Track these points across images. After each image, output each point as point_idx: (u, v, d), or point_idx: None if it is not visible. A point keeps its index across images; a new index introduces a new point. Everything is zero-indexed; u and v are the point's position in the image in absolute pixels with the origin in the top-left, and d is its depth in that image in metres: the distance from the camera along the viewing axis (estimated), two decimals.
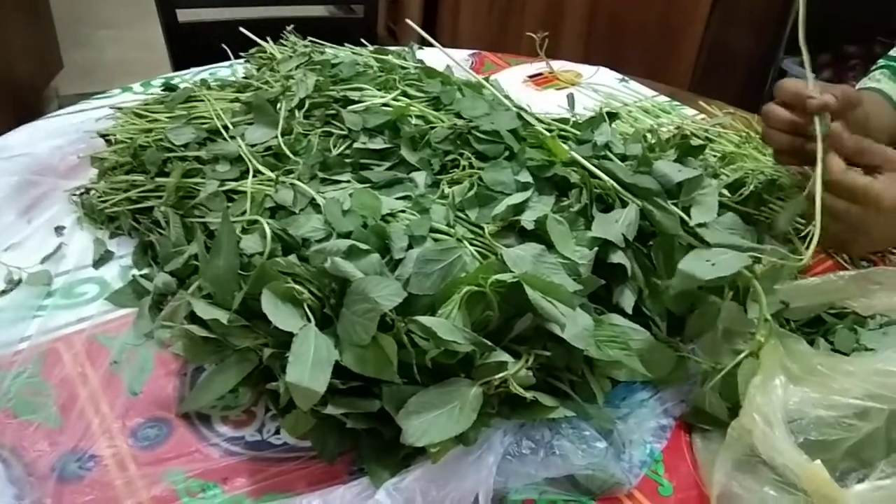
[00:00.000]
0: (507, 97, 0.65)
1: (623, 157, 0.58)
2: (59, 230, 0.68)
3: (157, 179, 0.64)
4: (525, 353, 0.46)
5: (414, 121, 0.61)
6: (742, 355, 0.50)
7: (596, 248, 0.51)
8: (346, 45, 0.79)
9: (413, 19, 2.21)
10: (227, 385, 0.50)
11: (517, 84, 1.02)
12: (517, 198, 0.51)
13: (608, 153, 0.58)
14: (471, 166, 0.56)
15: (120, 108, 0.71)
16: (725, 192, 0.67)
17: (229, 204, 0.59)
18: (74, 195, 0.71)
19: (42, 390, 0.52)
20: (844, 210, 0.57)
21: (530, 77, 1.05)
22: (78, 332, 0.57)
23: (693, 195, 0.52)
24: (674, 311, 0.54)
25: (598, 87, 1.01)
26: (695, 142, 0.64)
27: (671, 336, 0.54)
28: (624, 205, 0.53)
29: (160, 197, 0.63)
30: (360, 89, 0.64)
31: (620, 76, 1.06)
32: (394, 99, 0.62)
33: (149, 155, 0.64)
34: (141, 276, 0.62)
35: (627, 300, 0.53)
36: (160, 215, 0.63)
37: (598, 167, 0.55)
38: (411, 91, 0.64)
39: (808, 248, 0.50)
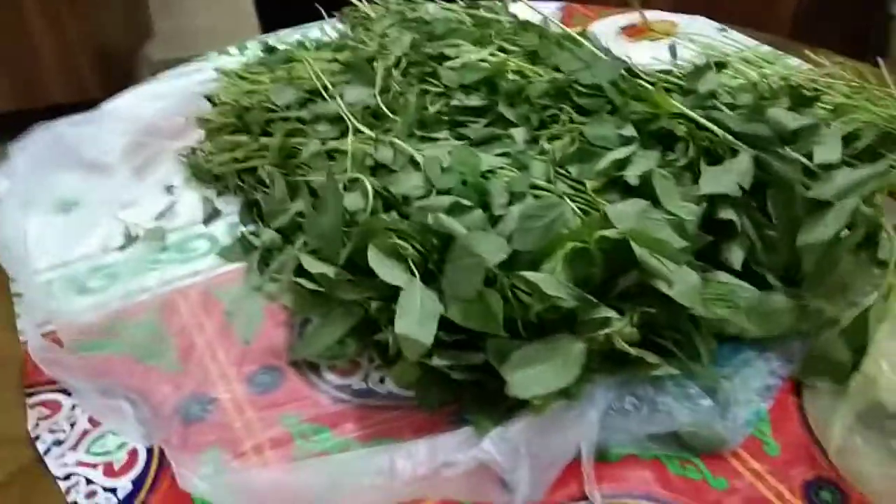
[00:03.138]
0: (607, 49, 0.63)
1: (731, 107, 0.56)
2: (169, 189, 0.72)
3: (261, 140, 0.66)
4: (629, 311, 0.46)
5: (511, 76, 0.60)
6: (873, 296, 0.47)
7: (704, 204, 0.49)
8: (437, 1, 0.79)
9: None
10: (335, 336, 0.52)
11: (610, 36, 0.99)
12: (621, 152, 0.49)
13: (716, 103, 0.56)
14: (571, 121, 0.55)
15: (223, 71, 0.73)
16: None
17: (331, 163, 0.61)
18: (182, 155, 0.74)
19: (163, 338, 0.56)
20: None
21: (623, 28, 1.01)
22: (192, 285, 0.61)
23: (811, 141, 0.49)
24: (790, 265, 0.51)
25: (697, 37, 0.97)
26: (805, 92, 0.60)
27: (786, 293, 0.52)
28: (735, 156, 0.51)
29: (264, 156, 0.65)
30: (456, 45, 0.63)
31: (719, 25, 1.01)
32: (490, 54, 0.62)
33: (252, 116, 0.66)
34: (249, 232, 0.65)
35: (736, 257, 0.51)
36: (264, 174, 0.65)
37: (706, 118, 0.53)
38: (507, 46, 0.63)
39: None
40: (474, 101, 0.59)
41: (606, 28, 1.01)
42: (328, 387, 0.52)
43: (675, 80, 0.59)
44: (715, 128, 0.51)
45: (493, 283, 0.45)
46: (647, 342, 0.48)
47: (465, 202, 0.47)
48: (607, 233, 0.45)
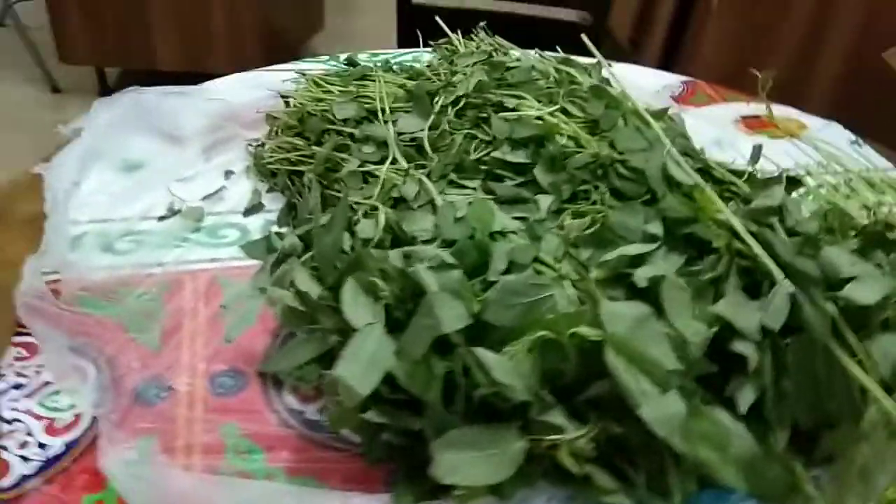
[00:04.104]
0: (681, 134, 0.58)
1: (793, 233, 0.49)
2: (227, 174, 0.74)
3: (314, 147, 0.66)
4: (593, 422, 0.41)
5: (564, 140, 0.56)
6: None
7: (715, 328, 0.43)
8: (536, 49, 0.76)
9: (657, 37, 2.10)
10: (301, 358, 0.51)
11: (725, 122, 0.92)
12: (633, 248, 0.45)
13: (774, 222, 0.49)
14: (602, 202, 0.51)
15: (304, 74, 0.75)
16: None
17: (362, 185, 0.60)
18: (250, 145, 0.76)
19: (155, 315, 0.56)
20: None
21: (743, 118, 0.94)
22: (205, 270, 0.61)
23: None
24: (801, 424, 0.44)
25: (822, 144, 0.87)
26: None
27: (794, 453, 0.45)
28: (771, 287, 0.45)
29: (311, 164, 0.65)
30: (519, 97, 0.60)
31: (854, 137, 0.90)
32: (550, 113, 0.58)
33: (312, 123, 0.67)
34: (276, 232, 0.65)
35: (745, 398, 0.44)
36: (307, 181, 0.65)
37: (756, 235, 0.47)
38: (571, 108, 0.59)
39: None
40: (517, 157, 0.56)
41: (725, 113, 0.94)
42: (282, 408, 0.51)
43: (743, 186, 0.53)
44: (757, 248, 0.45)
45: (450, 351, 0.42)
46: (610, 460, 0.42)
47: (450, 259, 0.44)
48: (584, 331, 0.40)
